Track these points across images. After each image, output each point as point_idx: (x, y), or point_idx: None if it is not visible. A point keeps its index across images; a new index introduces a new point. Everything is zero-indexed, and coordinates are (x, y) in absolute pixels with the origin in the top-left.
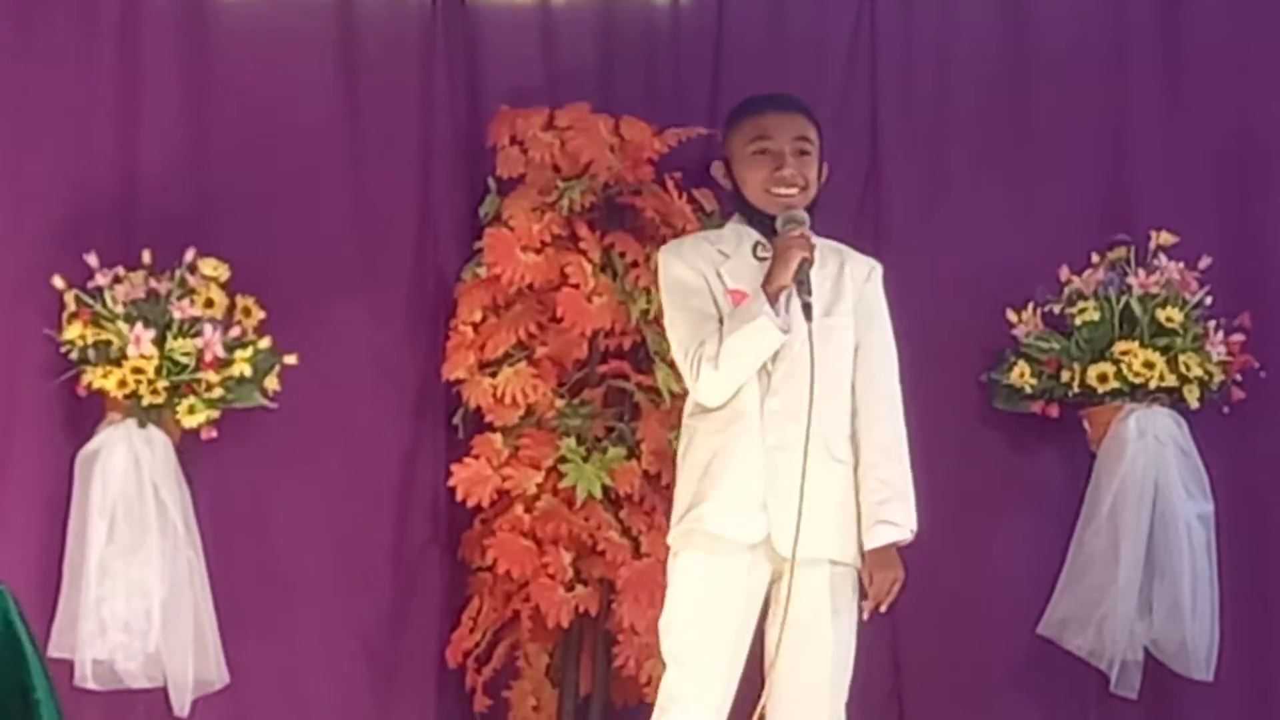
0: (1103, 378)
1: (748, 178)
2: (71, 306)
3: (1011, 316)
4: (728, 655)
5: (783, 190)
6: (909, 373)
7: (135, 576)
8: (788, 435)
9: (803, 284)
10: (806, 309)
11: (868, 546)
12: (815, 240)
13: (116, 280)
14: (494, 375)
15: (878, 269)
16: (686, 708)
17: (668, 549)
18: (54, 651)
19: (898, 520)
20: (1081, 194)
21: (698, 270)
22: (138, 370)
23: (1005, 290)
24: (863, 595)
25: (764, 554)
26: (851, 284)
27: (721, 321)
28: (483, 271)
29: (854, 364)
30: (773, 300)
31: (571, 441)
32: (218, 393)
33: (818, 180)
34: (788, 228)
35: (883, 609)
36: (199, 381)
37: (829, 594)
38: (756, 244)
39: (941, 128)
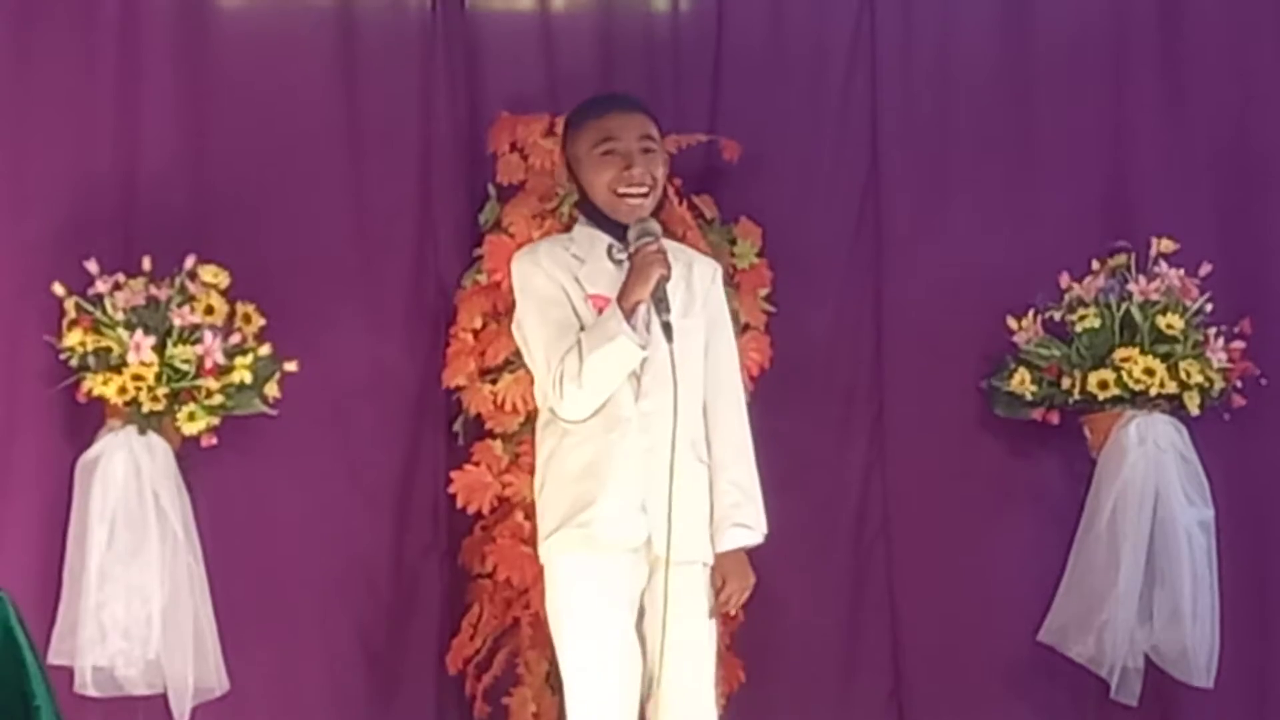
0: (1103, 384)
1: (594, 180)
2: (72, 313)
3: (1012, 323)
4: (631, 658)
5: (632, 190)
6: (910, 379)
7: (135, 583)
8: (658, 438)
9: (661, 301)
10: (666, 328)
11: (720, 549)
12: (666, 246)
13: (117, 287)
14: (494, 382)
15: (719, 270)
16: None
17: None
18: (54, 658)
19: (750, 523)
20: (1082, 200)
21: (555, 279)
22: (138, 377)
23: (1006, 297)
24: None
25: (643, 556)
26: (700, 285)
27: (583, 331)
28: (483, 278)
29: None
30: (628, 315)
31: None
32: (218, 400)
33: (664, 179)
34: (642, 241)
35: (732, 612)
36: (199, 388)
37: (704, 595)
38: (610, 246)
39: (942, 134)
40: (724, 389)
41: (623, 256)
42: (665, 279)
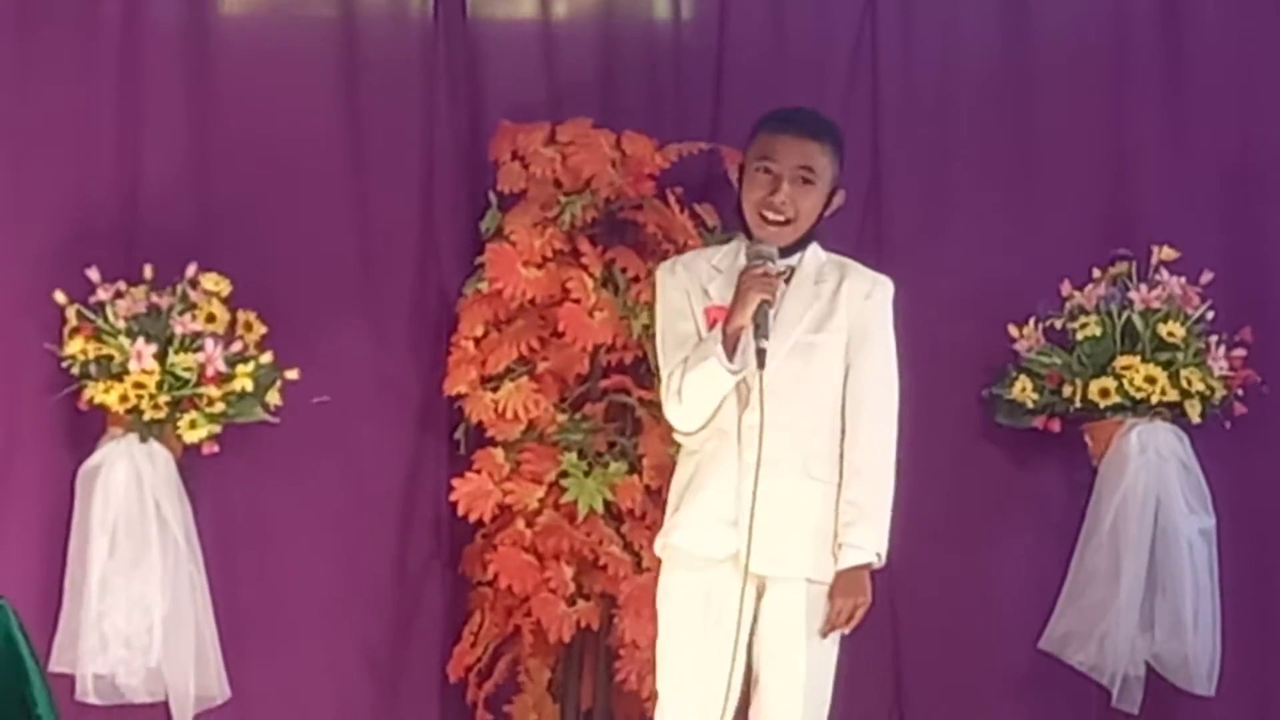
0: (1104, 393)
1: (745, 193)
2: (73, 321)
3: (1013, 331)
4: (714, 670)
5: (771, 216)
6: (911, 387)
7: (136, 591)
8: (769, 453)
9: (759, 327)
10: (760, 355)
11: (837, 568)
12: (794, 265)
13: (118, 295)
14: (495, 390)
15: (883, 287)
16: None
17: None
18: (55, 666)
19: (862, 544)
20: (1083, 209)
21: (683, 290)
22: (139, 385)
23: (1007, 305)
24: None
25: (737, 570)
26: (848, 301)
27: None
28: (484, 287)
29: (845, 383)
30: (730, 339)
31: (573, 456)
32: (219, 407)
33: (821, 209)
34: (753, 264)
35: (845, 631)
36: (200, 396)
37: (804, 614)
38: (746, 246)
39: (943, 143)
40: (862, 406)
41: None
42: (767, 304)
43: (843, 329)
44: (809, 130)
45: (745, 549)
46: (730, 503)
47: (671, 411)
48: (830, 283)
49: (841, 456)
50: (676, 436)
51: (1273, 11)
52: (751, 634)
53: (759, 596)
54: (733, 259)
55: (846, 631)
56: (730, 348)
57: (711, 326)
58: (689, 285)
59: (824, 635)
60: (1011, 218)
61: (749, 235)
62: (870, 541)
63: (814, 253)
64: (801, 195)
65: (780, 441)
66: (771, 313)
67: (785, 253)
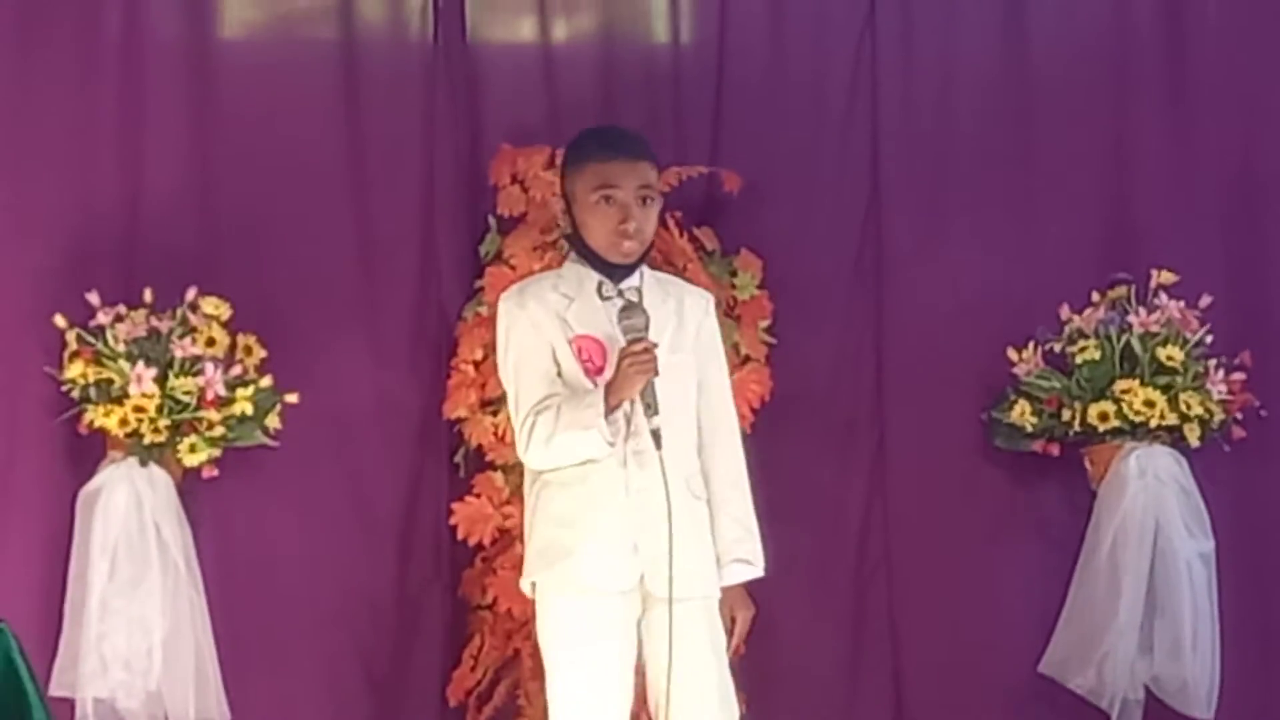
0: (1103, 416)
1: (591, 224)
2: (73, 345)
3: (1012, 355)
4: (620, 694)
5: (627, 245)
6: (911, 410)
7: (136, 615)
8: (652, 478)
9: (649, 406)
10: (656, 436)
11: (724, 584)
12: (653, 280)
13: (118, 319)
14: (495, 414)
15: (711, 300)
16: None
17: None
18: (55, 690)
19: (752, 559)
20: (1082, 232)
21: (538, 324)
22: (139, 409)
23: (1006, 328)
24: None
25: (636, 595)
26: (691, 318)
27: (561, 378)
28: (484, 310)
29: (697, 399)
30: (610, 410)
31: None
32: (219, 431)
33: (655, 226)
34: (629, 336)
35: (739, 645)
36: (200, 420)
37: (706, 629)
38: (600, 284)
39: (942, 165)
40: (720, 424)
41: (612, 294)
42: (651, 382)
43: (690, 348)
44: (639, 151)
45: (656, 573)
46: (628, 531)
47: (533, 455)
48: (671, 302)
49: (701, 472)
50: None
51: (1276, 28)
52: (639, 651)
53: (640, 617)
54: (578, 285)
55: (740, 647)
56: (608, 415)
57: (580, 356)
58: (542, 318)
59: (733, 653)
60: (1010, 240)
61: (589, 260)
62: (757, 556)
63: (648, 272)
64: (646, 216)
65: (662, 462)
66: (653, 385)
67: (626, 274)
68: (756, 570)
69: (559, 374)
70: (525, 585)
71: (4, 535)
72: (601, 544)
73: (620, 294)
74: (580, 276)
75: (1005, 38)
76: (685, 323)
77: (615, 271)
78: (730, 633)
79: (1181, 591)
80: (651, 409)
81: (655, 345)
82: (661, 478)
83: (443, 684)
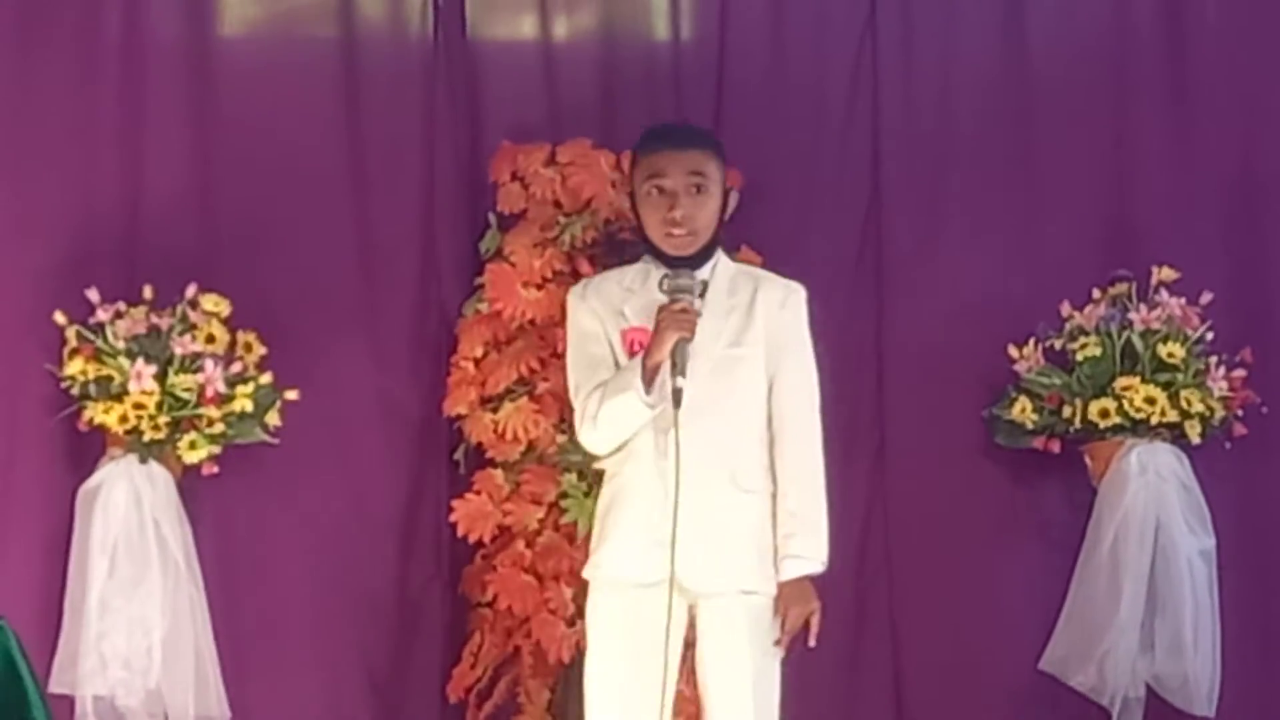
0: (1104, 413)
1: (645, 217)
2: (73, 342)
3: (1013, 352)
4: (649, 697)
5: (675, 231)
6: (912, 407)
7: (136, 612)
8: (696, 470)
9: (676, 365)
10: (676, 395)
11: (778, 579)
12: (706, 279)
13: (118, 316)
14: (495, 411)
15: (797, 294)
16: None
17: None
18: (55, 688)
19: (805, 553)
20: (1083, 229)
21: (596, 314)
22: (139, 406)
23: (1006, 326)
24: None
25: (670, 589)
26: (764, 312)
27: (617, 365)
28: (484, 307)
29: (768, 393)
30: (649, 373)
31: (573, 477)
32: (219, 428)
33: (720, 213)
34: (673, 298)
35: (811, 642)
36: (200, 417)
37: (745, 627)
38: (664, 278)
39: (943, 163)
40: (787, 418)
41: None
42: (684, 341)
43: (760, 341)
44: (689, 141)
45: (670, 567)
46: (658, 523)
47: (586, 436)
48: (744, 295)
49: (771, 466)
50: (596, 463)
51: (1275, 34)
52: (692, 658)
53: (693, 617)
54: (643, 279)
55: (812, 643)
56: (649, 381)
57: (630, 349)
58: (600, 309)
59: (783, 646)
60: (1011, 238)
61: (657, 256)
62: (814, 550)
63: (724, 265)
64: (699, 205)
65: (706, 458)
66: (690, 349)
67: (694, 266)
68: (810, 566)
69: (616, 365)
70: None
71: (3, 532)
72: (626, 537)
73: (701, 297)
74: (647, 271)
75: (1006, 36)
76: (755, 316)
77: (678, 265)
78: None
79: (1182, 589)
80: (679, 369)
81: (698, 311)
82: (675, 454)
83: (443, 681)
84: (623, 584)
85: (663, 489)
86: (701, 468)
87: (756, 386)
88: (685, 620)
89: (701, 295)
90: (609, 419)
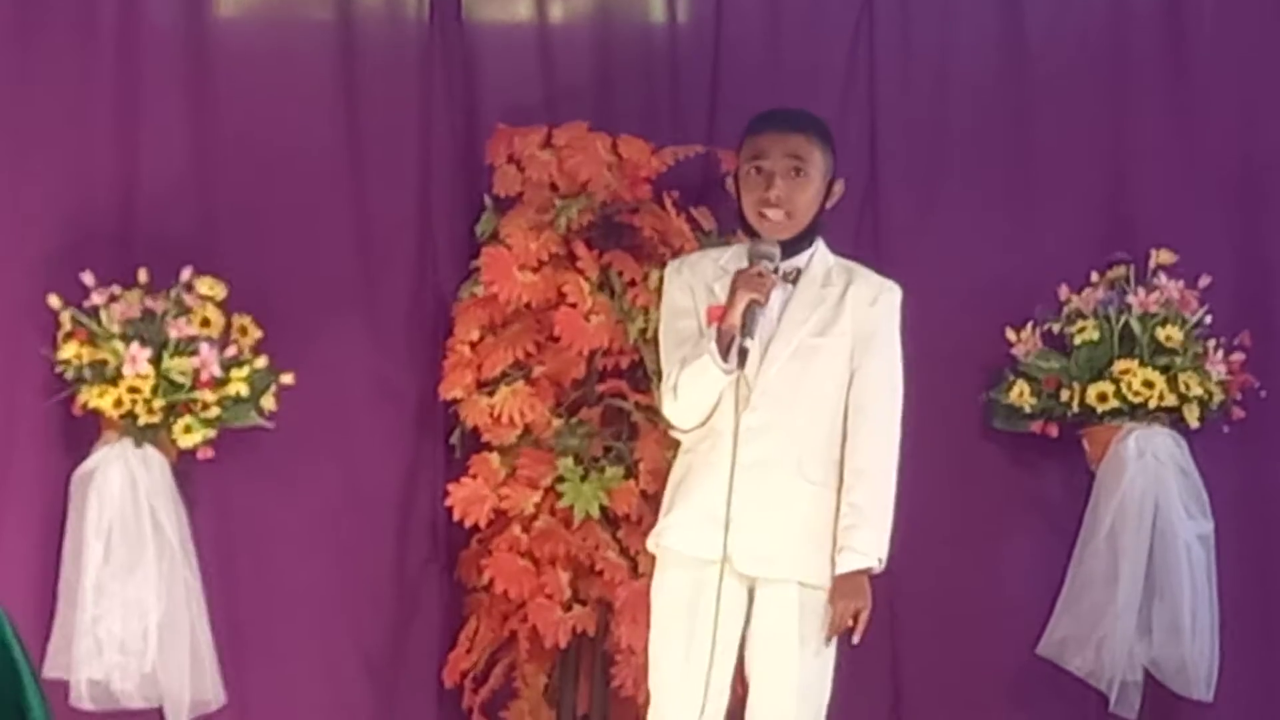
0: (1102, 397)
1: (743, 197)
2: (67, 326)
3: (1011, 336)
4: (702, 672)
5: (769, 212)
6: (909, 391)
7: (131, 596)
8: (761, 455)
9: (744, 326)
10: (742, 355)
11: (836, 572)
12: (800, 266)
13: (113, 299)
14: (491, 395)
15: (890, 293)
16: None
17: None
18: (50, 672)
19: (861, 548)
20: (1081, 213)
21: (689, 290)
22: (134, 390)
23: (1004, 309)
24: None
25: (730, 572)
26: (853, 306)
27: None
28: (480, 290)
29: (848, 388)
30: (725, 337)
31: (569, 461)
32: (214, 412)
33: (821, 200)
34: (753, 263)
35: (854, 640)
36: (195, 401)
37: (797, 617)
38: (750, 246)
39: (940, 146)
40: (863, 412)
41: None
42: (758, 304)
43: (847, 334)
44: (793, 124)
45: (725, 548)
46: (721, 503)
47: (668, 408)
48: (837, 287)
49: (842, 461)
50: (674, 434)
51: (1273, 17)
52: (745, 637)
53: (750, 600)
54: (738, 260)
55: (855, 640)
56: (724, 346)
57: (711, 325)
58: (694, 284)
59: (827, 640)
60: (1009, 221)
61: (753, 238)
62: (871, 546)
63: (821, 255)
64: (796, 188)
65: (775, 442)
66: (761, 313)
67: (791, 252)
68: (864, 560)
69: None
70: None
71: None
72: (691, 510)
73: (776, 271)
74: (743, 254)
75: (1004, 20)
76: (844, 309)
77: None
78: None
79: (1180, 573)
80: (747, 329)
81: (776, 274)
82: (734, 425)
83: (439, 666)
84: (683, 558)
85: (731, 469)
86: (769, 452)
87: (835, 378)
88: (745, 604)
89: (794, 281)
90: (687, 387)
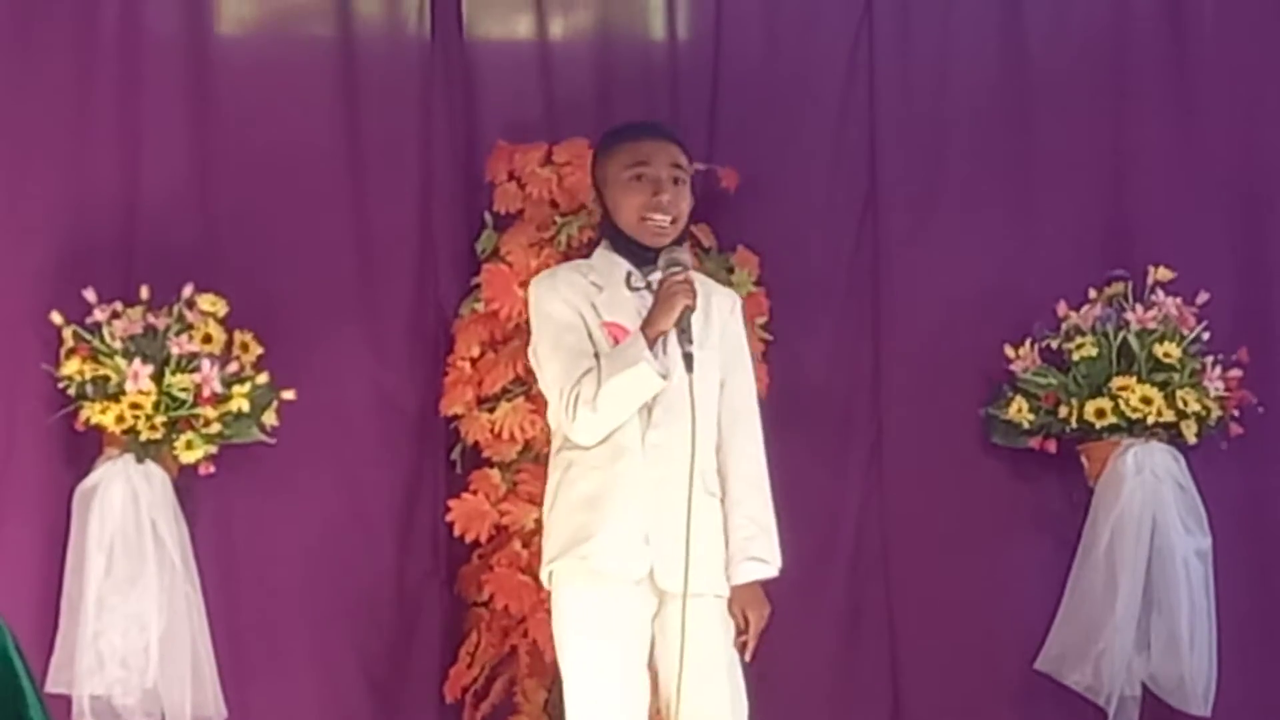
0: (1100, 413)
1: (623, 203)
2: (70, 342)
3: (1009, 352)
4: (634, 690)
5: (658, 216)
6: (908, 406)
7: (133, 611)
8: (669, 470)
9: (684, 332)
10: (688, 359)
11: (735, 582)
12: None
13: (115, 316)
14: (492, 411)
15: (739, 301)
16: None
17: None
18: (51, 687)
19: (766, 557)
20: (1080, 228)
21: (571, 304)
22: (136, 406)
23: (1003, 325)
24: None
25: (648, 589)
26: (718, 317)
27: (598, 358)
28: (480, 307)
29: (719, 397)
30: (651, 344)
31: None
32: (215, 428)
33: (689, 211)
34: (671, 270)
35: (748, 656)
36: (197, 417)
37: (721, 630)
38: (629, 274)
39: (939, 162)
40: (739, 422)
41: (641, 285)
42: (690, 309)
43: (717, 345)
44: (670, 135)
45: (685, 568)
46: (642, 521)
47: (582, 422)
48: (699, 298)
49: (717, 470)
50: (566, 452)
51: (1273, 20)
52: (651, 651)
53: (654, 615)
54: (608, 274)
55: (749, 656)
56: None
57: (615, 342)
58: (571, 299)
59: (747, 651)
60: (1007, 237)
61: (622, 249)
62: (772, 554)
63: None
64: (680, 196)
65: (679, 457)
66: (695, 317)
67: (654, 266)
68: (770, 569)
69: (595, 355)
70: (544, 575)
71: (1, 531)
72: (617, 531)
73: (648, 286)
74: (611, 265)
75: (1003, 33)
76: (711, 320)
77: (645, 260)
78: (742, 632)
79: (1179, 588)
80: (687, 335)
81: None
82: (684, 464)
83: (440, 681)
84: (612, 578)
85: (648, 486)
86: (675, 467)
87: (714, 389)
88: (651, 621)
89: (686, 260)
90: (612, 398)
